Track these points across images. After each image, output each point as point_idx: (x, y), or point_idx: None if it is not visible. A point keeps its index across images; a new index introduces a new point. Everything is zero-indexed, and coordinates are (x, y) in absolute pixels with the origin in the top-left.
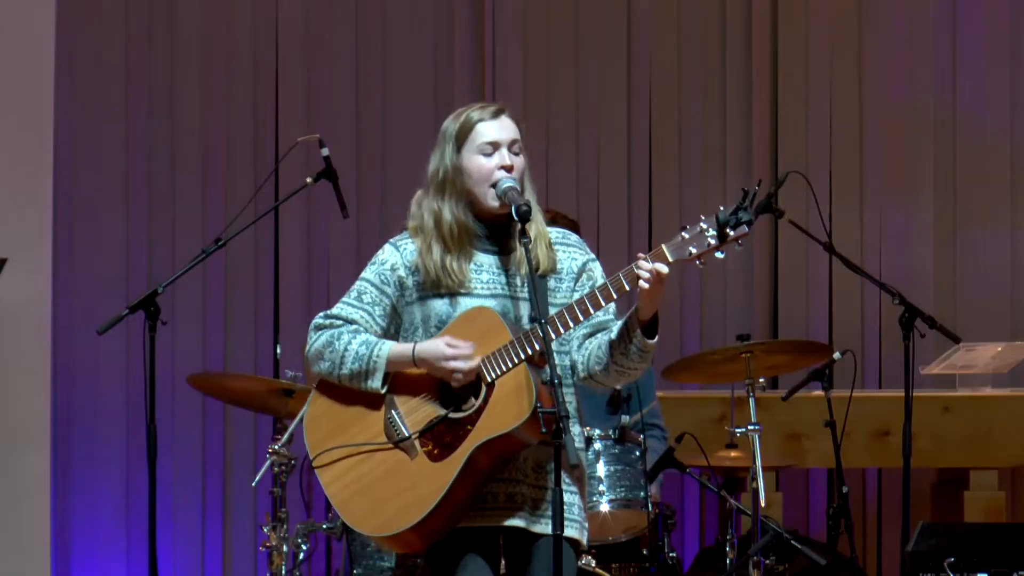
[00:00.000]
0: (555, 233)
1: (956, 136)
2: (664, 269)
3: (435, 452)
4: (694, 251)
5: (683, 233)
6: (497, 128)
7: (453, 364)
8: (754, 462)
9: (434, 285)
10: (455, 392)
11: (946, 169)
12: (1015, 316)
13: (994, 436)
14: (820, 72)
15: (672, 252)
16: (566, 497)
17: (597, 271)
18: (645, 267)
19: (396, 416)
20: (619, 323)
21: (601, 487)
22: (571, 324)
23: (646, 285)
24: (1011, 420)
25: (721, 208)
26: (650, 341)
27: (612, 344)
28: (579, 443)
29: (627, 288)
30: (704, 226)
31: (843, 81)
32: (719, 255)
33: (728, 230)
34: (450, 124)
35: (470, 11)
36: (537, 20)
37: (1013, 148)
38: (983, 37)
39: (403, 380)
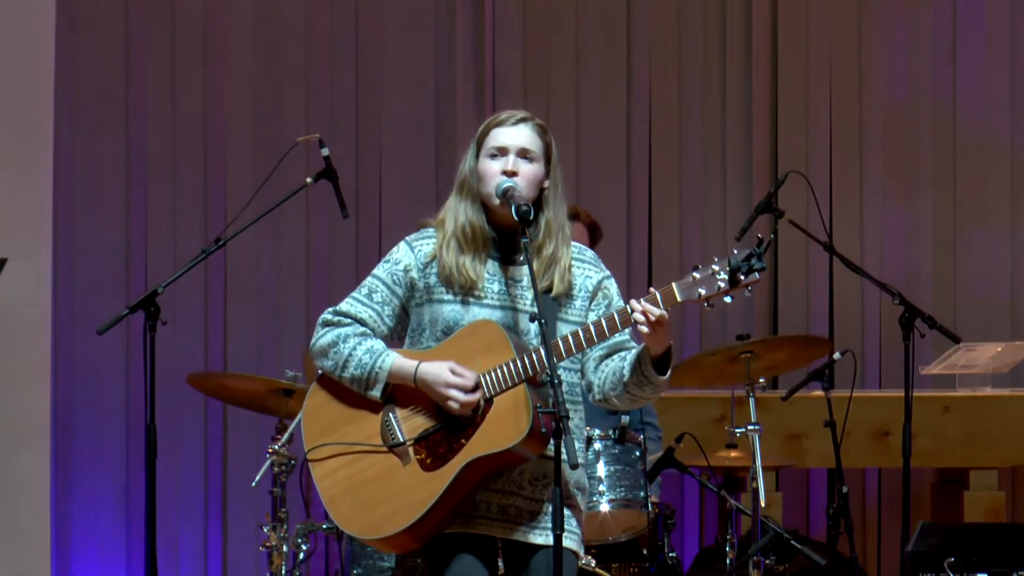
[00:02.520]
0: (572, 249)
1: (956, 136)
2: (656, 312)
3: (428, 461)
4: (704, 293)
5: (694, 273)
6: (509, 134)
7: (452, 392)
8: (754, 462)
9: (447, 282)
10: None
11: (946, 169)
12: (1015, 316)
13: (994, 436)
14: (820, 71)
15: (682, 292)
16: (563, 511)
17: (612, 289)
18: (637, 309)
19: (393, 420)
20: (633, 353)
21: (601, 487)
22: (574, 350)
23: (645, 329)
24: (1011, 420)
25: (735, 252)
26: (662, 377)
27: (625, 376)
28: (579, 455)
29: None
30: (716, 268)
31: (843, 80)
32: (728, 299)
33: (740, 275)
34: (480, 127)
35: (470, 11)
36: (537, 20)
37: (1013, 148)
38: (983, 37)
39: (405, 385)
